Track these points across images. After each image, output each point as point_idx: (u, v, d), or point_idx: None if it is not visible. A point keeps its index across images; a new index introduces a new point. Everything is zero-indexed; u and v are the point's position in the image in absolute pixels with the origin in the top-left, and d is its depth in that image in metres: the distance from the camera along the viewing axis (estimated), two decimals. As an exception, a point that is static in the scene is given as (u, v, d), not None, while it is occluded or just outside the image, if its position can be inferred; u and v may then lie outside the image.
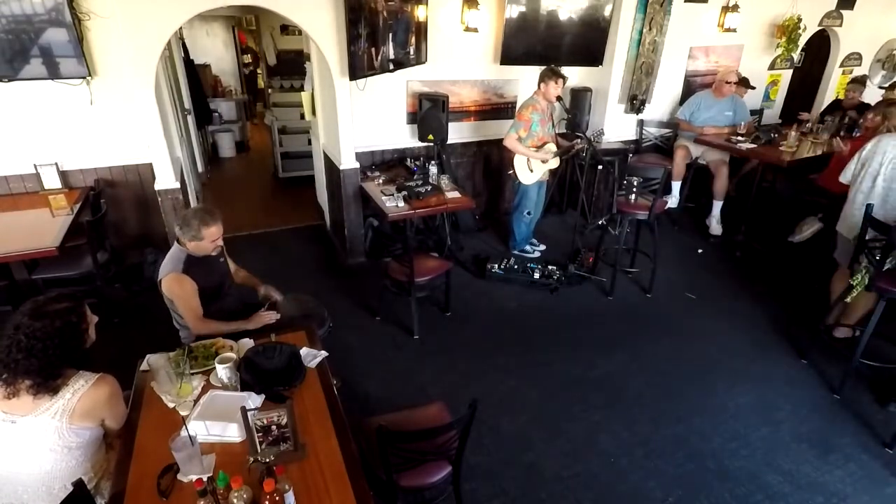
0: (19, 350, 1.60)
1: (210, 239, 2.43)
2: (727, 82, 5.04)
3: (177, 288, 2.40)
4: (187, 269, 2.42)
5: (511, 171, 4.36)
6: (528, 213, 4.50)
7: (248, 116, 9.30)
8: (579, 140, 4.36)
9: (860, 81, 5.71)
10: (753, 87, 5.54)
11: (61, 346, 1.65)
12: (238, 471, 1.53)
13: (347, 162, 4.21)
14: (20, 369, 1.61)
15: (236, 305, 2.69)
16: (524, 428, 2.92)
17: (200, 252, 2.47)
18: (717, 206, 5.17)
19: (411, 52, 4.19)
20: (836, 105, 5.99)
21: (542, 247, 4.81)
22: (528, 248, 4.74)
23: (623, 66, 5.02)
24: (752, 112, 5.23)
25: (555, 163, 4.39)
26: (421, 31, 4.19)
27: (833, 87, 6.61)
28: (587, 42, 4.80)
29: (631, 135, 5.47)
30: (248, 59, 9.64)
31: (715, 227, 5.19)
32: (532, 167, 4.26)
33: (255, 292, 2.81)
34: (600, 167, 4.64)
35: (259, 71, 9.16)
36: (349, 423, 1.88)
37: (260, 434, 1.65)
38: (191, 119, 5.97)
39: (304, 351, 2.15)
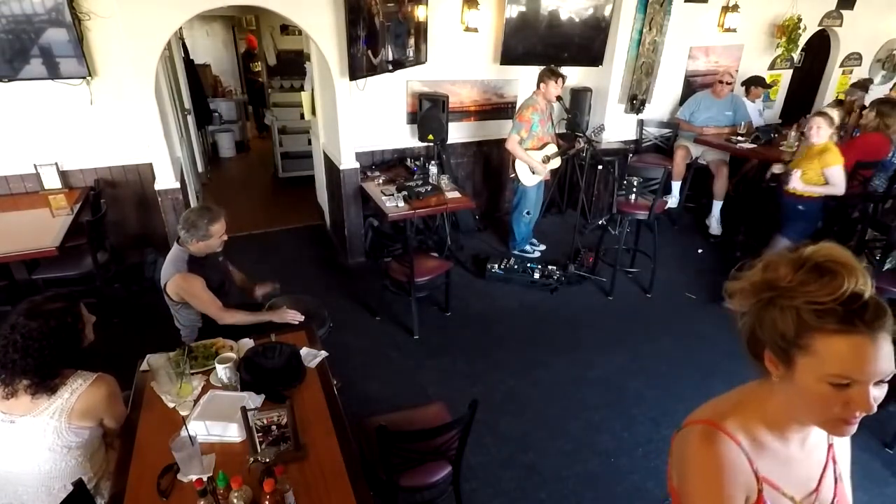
0: (16, 350, 1.60)
1: (218, 235, 2.46)
2: (720, 81, 5.04)
3: (186, 286, 2.41)
4: (191, 269, 2.44)
5: (513, 175, 4.36)
6: (528, 213, 4.50)
7: (258, 128, 9.08)
8: (579, 139, 4.36)
9: (862, 86, 5.68)
10: (770, 86, 5.52)
11: (57, 346, 1.65)
12: (238, 471, 1.53)
13: (347, 162, 4.21)
14: (17, 369, 1.61)
15: (237, 304, 2.69)
16: (524, 428, 2.92)
17: (207, 251, 2.49)
18: (717, 206, 5.17)
19: (411, 53, 4.18)
20: (837, 105, 5.96)
21: (543, 247, 4.81)
22: (528, 247, 4.74)
23: (623, 66, 5.02)
24: (764, 128, 5.21)
25: (556, 163, 4.39)
26: (421, 31, 4.19)
27: (833, 87, 6.60)
28: (587, 42, 4.80)
29: (631, 135, 5.47)
30: (258, 66, 8.39)
31: (715, 227, 5.19)
32: (533, 170, 4.26)
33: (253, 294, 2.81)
34: (600, 167, 4.64)
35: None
36: (349, 423, 1.88)
37: (260, 434, 1.65)
38: (191, 119, 5.97)
39: (304, 351, 2.15)
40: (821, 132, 3.52)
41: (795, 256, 0.89)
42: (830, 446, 1.04)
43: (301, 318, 2.60)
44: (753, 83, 5.51)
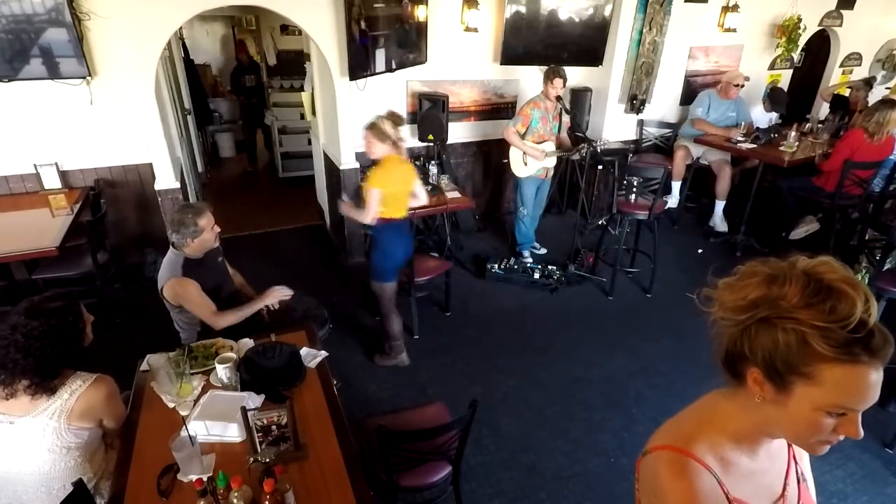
0: (17, 350, 1.60)
1: (209, 228, 2.44)
2: (735, 85, 5.01)
3: (181, 291, 2.40)
4: (186, 272, 2.41)
5: (505, 161, 4.36)
6: (524, 210, 4.48)
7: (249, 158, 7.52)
8: (584, 147, 4.31)
9: (867, 82, 5.67)
10: (784, 114, 5.50)
11: (59, 345, 1.65)
12: (238, 471, 1.52)
13: (347, 162, 4.21)
14: (18, 369, 1.60)
15: (236, 305, 2.68)
16: (524, 428, 2.92)
17: (204, 247, 2.47)
18: (720, 206, 5.17)
19: (411, 53, 4.19)
20: (844, 102, 5.93)
21: (544, 250, 4.80)
22: (525, 252, 4.68)
23: (623, 66, 5.01)
24: (765, 128, 5.19)
25: (551, 161, 4.37)
26: (421, 31, 4.19)
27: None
28: (587, 42, 4.80)
29: (631, 135, 5.47)
30: (251, 79, 7.01)
31: (720, 224, 5.21)
32: (526, 161, 4.26)
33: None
34: (600, 167, 4.64)
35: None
36: (349, 423, 1.88)
37: (260, 434, 1.65)
38: (191, 119, 5.97)
39: (304, 351, 2.15)
40: (371, 148, 2.89)
41: (800, 273, 0.83)
42: (790, 445, 1.02)
43: (290, 292, 2.63)
44: (773, 99, 5.47)
